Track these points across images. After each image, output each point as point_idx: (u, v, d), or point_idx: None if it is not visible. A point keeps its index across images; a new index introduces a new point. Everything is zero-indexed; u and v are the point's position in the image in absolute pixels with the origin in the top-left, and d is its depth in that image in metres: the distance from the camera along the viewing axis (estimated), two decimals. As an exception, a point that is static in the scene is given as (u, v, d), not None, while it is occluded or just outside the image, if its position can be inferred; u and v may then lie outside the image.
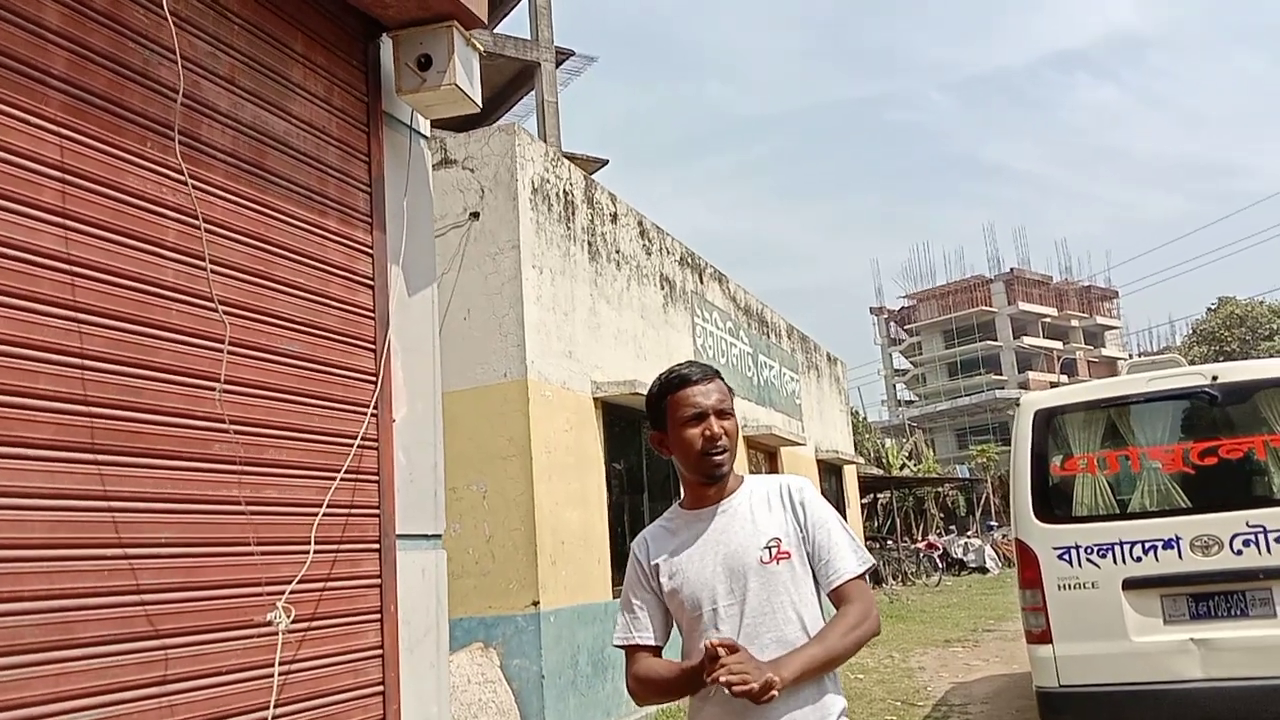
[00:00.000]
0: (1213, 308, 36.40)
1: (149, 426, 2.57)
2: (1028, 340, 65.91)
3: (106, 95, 2.59)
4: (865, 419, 49.78)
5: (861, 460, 22.75)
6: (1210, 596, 5.69)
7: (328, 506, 2.96)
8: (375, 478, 3.30)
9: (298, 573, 2.77)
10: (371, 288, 3.41)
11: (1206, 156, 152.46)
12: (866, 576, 2.21)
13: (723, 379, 2.33)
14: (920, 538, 31.66)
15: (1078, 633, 5.83)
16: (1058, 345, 66.75)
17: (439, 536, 3.65)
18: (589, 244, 8.87)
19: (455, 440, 7.51)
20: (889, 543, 28.71)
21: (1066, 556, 5.91)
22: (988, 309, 67.00)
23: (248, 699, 2.66)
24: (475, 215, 7.77)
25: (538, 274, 7.83)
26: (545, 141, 23.63)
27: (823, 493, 14.59)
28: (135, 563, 2.49)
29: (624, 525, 8.99)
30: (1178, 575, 5.71)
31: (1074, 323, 69.16)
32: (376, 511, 3.29)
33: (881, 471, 32.92)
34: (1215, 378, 5.98)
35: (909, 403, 71.34)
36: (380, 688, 3.23)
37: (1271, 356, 32.84)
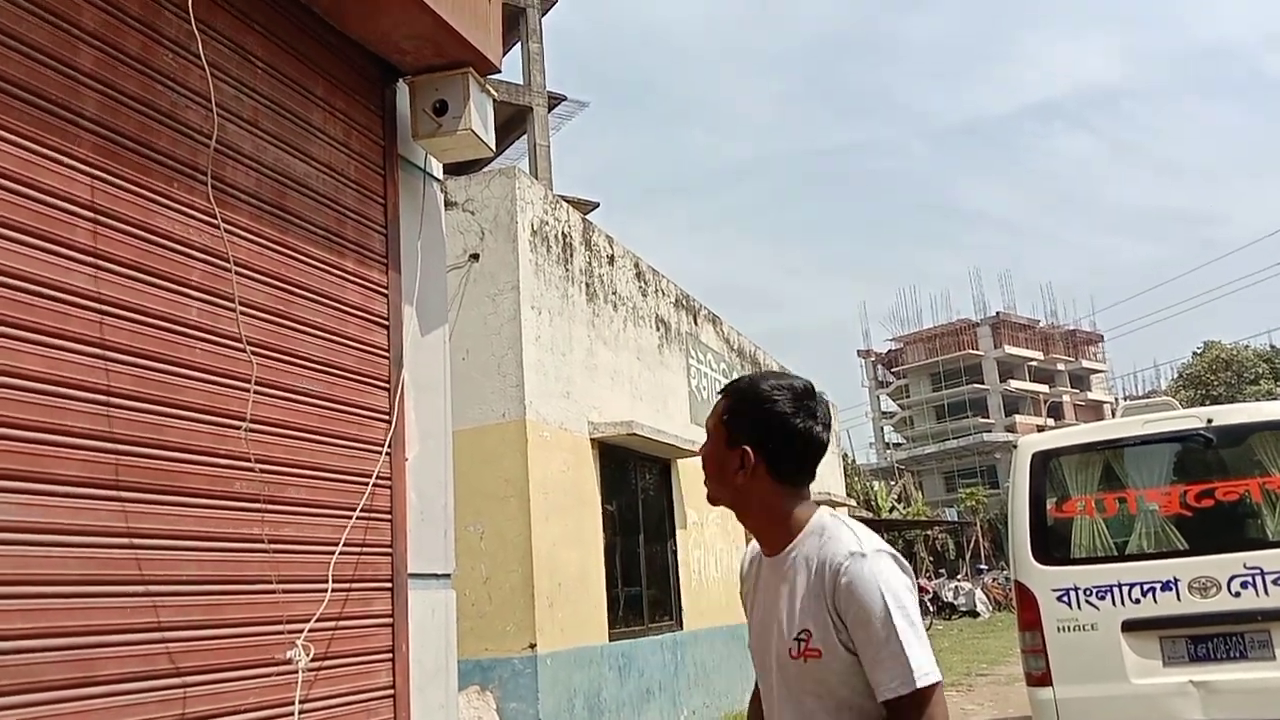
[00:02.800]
0: (1198, 352, 36.77)
1: (174, 464, 2.59)
2: (1014, 383, 66.21)
3: (137, 137, 2.64)
4: (854, 461, 49.81)
5: (852, 503, 22.75)
6: (1209, 638, 5.71)
7: (344, 545, 2.98)
8: (388, 516, 3.32)
9: (316, 611, 2.78)
10: (386, 327, 3.46)
11: (1183, 205, 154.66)
12: (921, 696, 1.70)
13: (735, 395, 1.96)
14: (920, 581, 31.61)
15: (1078, 675, 5.83)
16: (1044, 389, 67.02)
17: (449, 576, 3.66)
18: (587, 285, 8.94)
19: (454, 481, 7.52)
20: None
21: (1066, 598, 5.93)
22: (974, 352, 67.38)
23: (266, 738, 2.66)
24: (475, 257, 7.83)
25: (536, 315, 7.88)
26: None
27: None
28: (157, 600, 2.49)
29: (618, 567, 8.97)
30: (1176, 617, 5.74)
31: (1060, 366, 69.55)
32: (389, 550, 3.31)
33: (871, 514, 32.90)
34: (1210, 420, 6.05)
35: (897, 445, 71.40)
36: (391, 728, 3.22)
37: (1258, 400, 33.11)
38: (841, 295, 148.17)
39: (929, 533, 37.41)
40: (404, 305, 3.53)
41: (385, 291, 3.49)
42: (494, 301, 7.72)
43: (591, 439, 8.54)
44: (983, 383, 67.05)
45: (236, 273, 2.79)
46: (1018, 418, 62.52)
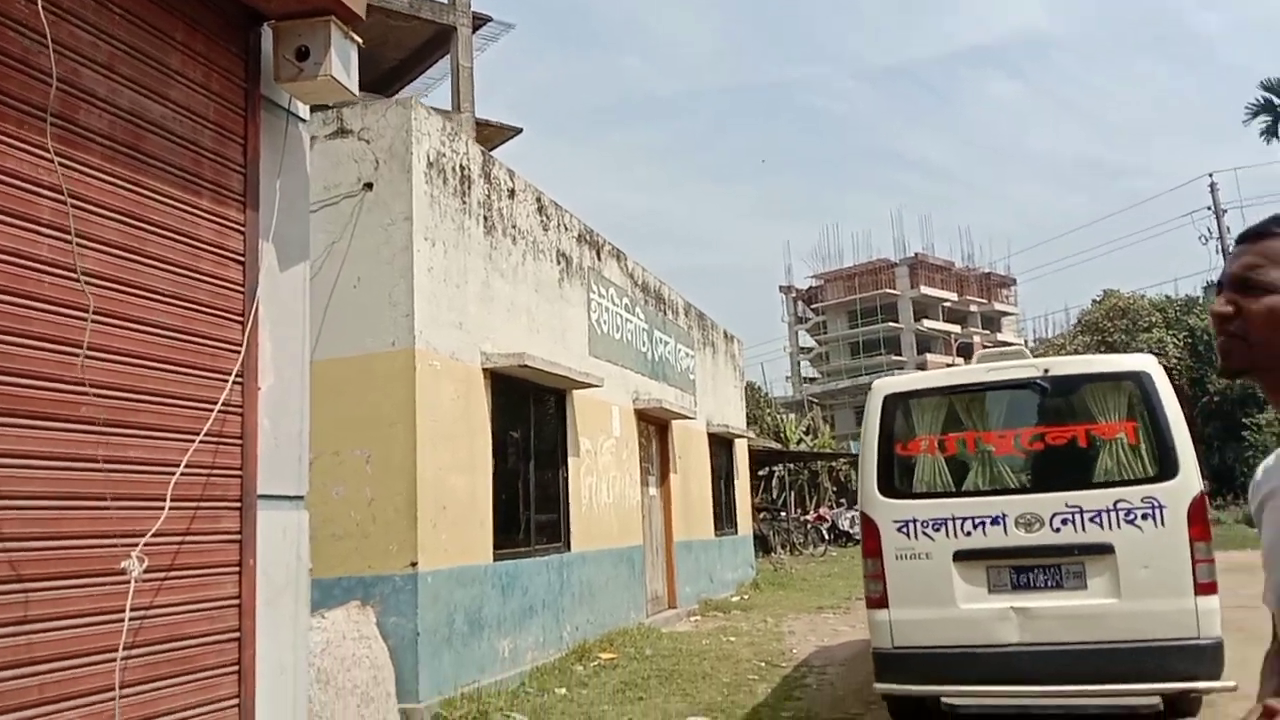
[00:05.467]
0: (1098, 300, 38.18)
1: (19, 389, 2.79)
2: (928, 323, 67.95)
3: (-16, 80, 2.78)
4: (768, 394, 50.82)
5: (753, 435, 23.41)
6: (1030, 569, 6.27)
7: (186, 467, 3.21)
8: (239, 441, 3.55)
9: (153, 527, 3.02)
10: (242, 263, 3.65)
11: (1106, 157, 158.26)
12: None
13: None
14: (812, 510, 32.68)
15: (912, 599, 6.36)
16: (956, 329, 68.88)
17: (301, 498, 3.92)
18: (485, 218, 9.09)
19: (342, 406, 7.73)
20: (781, 514, 29.62)
21: (905, 529, 6.43)
22: (891, 291, 68.81)
23: (103, 640, 2.91)
24: (369, 186, 7.93)
25: (430, 246, 8.04)
26: (459, 107, 23.58)
27: (713, 466, 15.05)
28: (1, 512, 2.71)
29: (507, 492, 9.30)
30: (1003, 549, 6.28)
31: (973, 308, 71.49)
32: (239, 473, 3.55)
33: (779, 445, 33.78)
34: (1047, 370, 6.55)
35: (812, 380, 72.88)
36: (236, 634, 3.51)
37: (1150, 347, 34.64)
38: (768, 231, 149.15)
39: (834, 464, 38.57)
40: (261, 242, 3.72)
41: (242, 229, 3.67)
42: (387, 231, 7.85)
43: (484, 369, 8.79)
44: (898, 321, 68.66)
45: (84, 209, 2.96)
46: (929, 356, 64.31)
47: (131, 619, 2.99)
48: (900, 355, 67.27)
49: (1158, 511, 6.01)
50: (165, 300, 3.31)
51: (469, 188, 8.83)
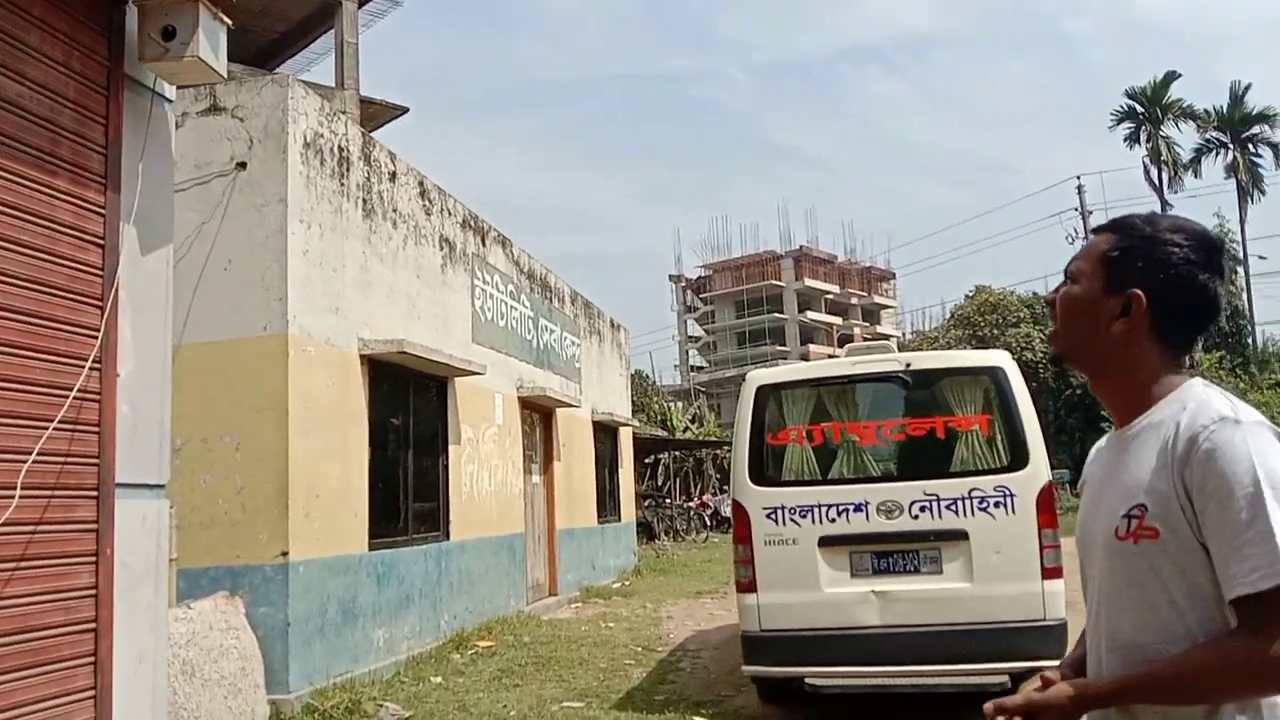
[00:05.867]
0: (970, 295, 39.74)
1: None
2: (811, 315, 69.60)
3: None
4: (655, 383, 51.28)
5: (638, 423, 23.64)
6: (890, 554, 6.56)
7: (39, 455, 3.13)
8: (96, 429, 3.47)
9: (2, 516, 2.94)
10: (101, 246, 3.55)
11: (983, 154, 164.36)
12: None
13: (1126, 230, 1.67)
14: (696, 497, 33.17)
15: (779, 583, 6.58)
16: (838, 321, 70.75)
17: (162, 486, 3.84)
18: (364, 201, 8.96)
19: (210, 391, 7.54)
20: (665, 501, 29.99)
21: (773, 516, 6.65)
22: (777, 283, 70.20)
23: (-53, 632, 2.83)
24: (242, 165, 7.73)
25: (305, 228, 7.89)
26: (343, 84, 23.01)
27: (597, 454, 15.14)
28: None
29: (385, 480, 9.21)
30: (865, 535, 6.55)
31: (854, 300, 73.50)
32: (96, 461, 3.47)
33: (665, 433, 34.16)
34: (909, 364, 6.85)
35: (700, 368, 73.82)
36: (93, 625, 3.43)
37: (1018, 341, 36.23)
38: (658, 221, 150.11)
39: (718, 452, 39.21)
40: (122, 225, 3.63)
41: (102, 211, 3.57)
42: (260, 213, 7.67)
43: (361, 355, 8.67)
44: (783, 312, 70.12)
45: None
46: (811, 347, 65.89)
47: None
48: (784, 346, 68.73)
49: (1009, 500, 6.36)
50: (19, 283, 3.21)
51: (348, 170, 8.69)
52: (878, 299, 75.11)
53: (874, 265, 75.09)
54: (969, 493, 6.41)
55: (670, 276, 76.95)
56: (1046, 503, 6.37)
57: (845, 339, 70.07)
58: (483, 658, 9.61)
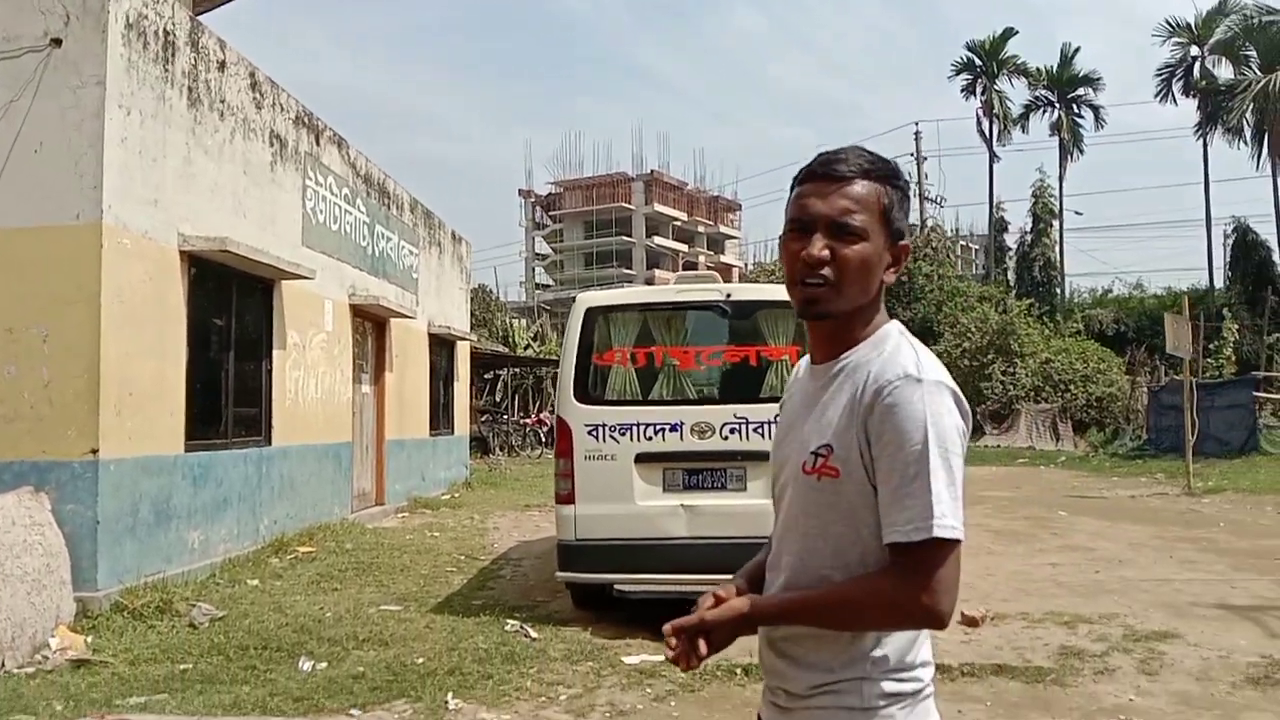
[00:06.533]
0: (808, 230, 41.07)
1: None
2: (658, 240, 70.26)
3: None
4: (499, 298, 50.94)
5: (476, 338, 23.57)
6: (700, 472, 6.96)
7: None
8: (-119, 311, 3.34)
9: None
10: (-112, 119, 3.37)
11: (834, 95, 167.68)
12: (935, 548, 1.51)
13: (894, 178, 1.68)
14: (534, 414, 33.43)
15: (596, 495, 6.90)
16: (684, 248, 71.69)
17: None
18: (189, 90, 8.56)
19: (17, 280, 7.21)
20: (502, 417, 30.14)
21: (595, 433, 6.93)
22: (627, 206, 70.41)
23: None
24: (57, 42, 7.26)
25: (125, 114, 7.51)
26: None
27: (432, 365, 15.09)
28: None
29: (203, 382, 9.00)
30: (678, 453, 6.92)
31: (700, 228, 74.57)
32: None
33: (506, 350, 34.15)
34: (729, 295, 7.18)
35: (546, 286, 73.66)
36: (-124, 512, 3.34)
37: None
38: (509, 132, 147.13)
39: (558, 370, 39.44)
40: (-87, 98, 3.45)
41: (-111, 81, 3.38)
42: (76, 94, 7.25)
43: (181, 251, 8.38)
44: (630, 235, 70.49)
45: None
46: (657, 272, 66.56)
47: None
48: (631, 269, 69.29)
49: (811, 425, 6.82)
50: None
51: (173, 55, 8.27)
52: (723, 229, 76.46)
53: (721, 195, 76.25)
54: (775, 417, 6.82)
55: (520, 191, 76.03)
56: (848, 428, 6.85)
57: (690, 266, 71.34)
58: (302, 563, 9.63)
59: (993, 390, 31.64)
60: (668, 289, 7.63)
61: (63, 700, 5.27)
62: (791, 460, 1.69)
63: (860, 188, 1.64)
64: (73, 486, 7.20)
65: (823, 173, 1.65)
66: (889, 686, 1.59)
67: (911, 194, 1.76)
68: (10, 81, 7.13)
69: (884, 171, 1.66)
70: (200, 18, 9.34)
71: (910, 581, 1.51)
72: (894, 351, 1.61)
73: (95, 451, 7.22)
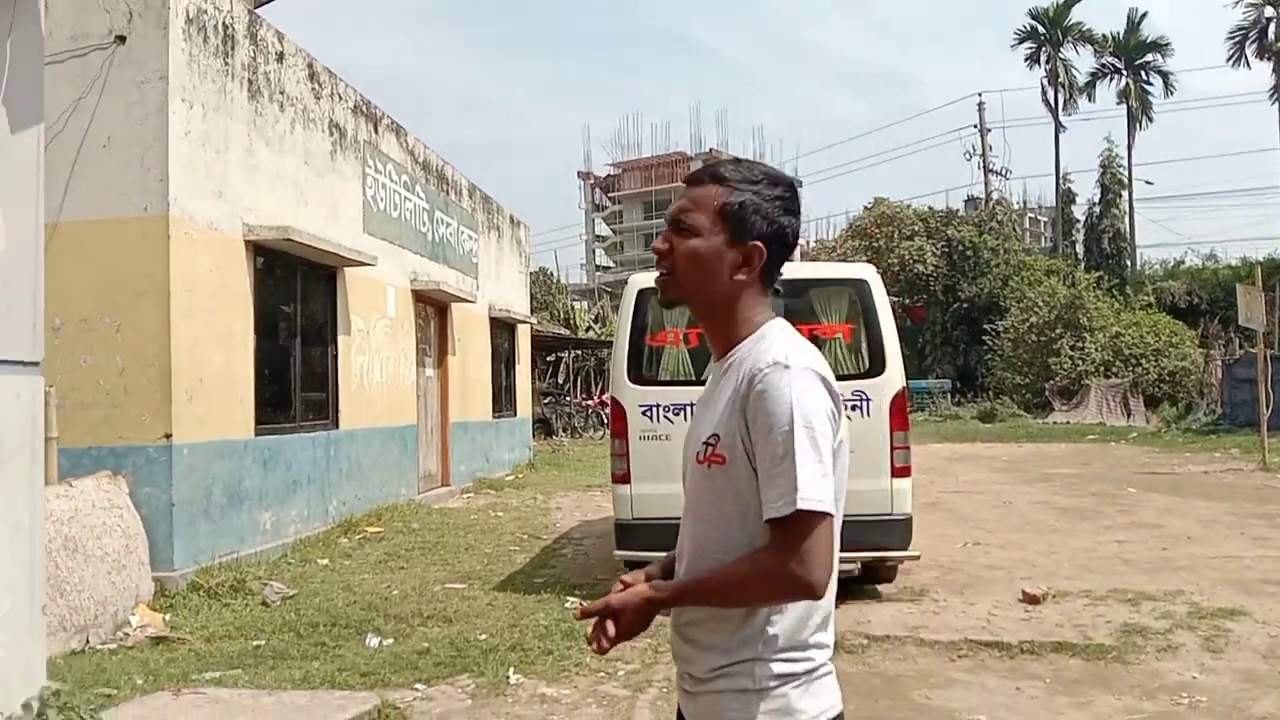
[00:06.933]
0: (869, 206, 40.52)
1: None
2: (718, 219, 69.92)
3: None
4: (560, 281, 51.23)
5: (536, 321, 23.77)
6: (754, 451, 6.96)
7: (-95, 328, 3.19)
8: (-35, 305, 3.52)
9: None
10: (-34, 123, 3.54)
11: (892, 67, 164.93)
12: (802, 520, 1.59)
13: (741, 181, 1.78)
14: (596, 395, 33.66)
15: (651, 475, 6.95)
16: (744, 226, 71.29)
17: (37, 364, 3.91)
18: (249, 82, 8.77)
19: (90, 271, 7.46)
20: (565, 398, 30.40)
21: (649, 413, 6.99)
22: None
23: None
24: (121, 39, 7.49)
25: (188, 108, 7.73)
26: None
27: (494, 348, 15.27)
28: None
29: (272, 367, 9.25)
30: None
31: (761, 206, 74.04)
32: (-34, 337, 3.53)
33: (568, 332, 34.38)
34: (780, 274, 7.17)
35: (606, 268, 73.84)
36: (-34, 495, 3.54)
37: (911, 254, 37.26)
38: (568, 114, 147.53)
39: (619, 353, 39.56)
40: (-12, 102, 3.61)
41: (-35, 87, 3.55)
42: (140, 90, 7.48)
43: (246, 241, 8.61)
44: (690, 215, 70.29)
45: None
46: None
47: None
48: (690, 248, 69.06)
49: (865, 404, 6.80)
50: (-123, 156, 3.21)
51: (233, 48, 8.47)
52: (784, 206, 75.84)
53: (782, 171, 75.57)
54: None
55: (579, 173, 76.23)
56: (899, 407, 6.83)
57: (749, 244, 70.75)
58: (370, 542, 9.88)
59: (1061, 366, 31.08)
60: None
61: (142, 675, 5.50)
62: (690, 452, 1.79)
63: (702, 190, 1.78)
64: (148, 470, 7.47)
65: (687, 179, 1.83)
66: (779, 667, 1.66)
67: (773, 200, 1.78)
68: (78, 79, 7.38)
69: (736, 177, 1.78)
70: (258, 10, 9.53)
71: (782, 553, 1.59)
72: (770, 344, 1.72)
73: (169, 436, 7.48)
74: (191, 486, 7.75)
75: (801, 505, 1.57)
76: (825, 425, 1.65)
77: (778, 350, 1.69)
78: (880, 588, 7.30)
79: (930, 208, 40.73)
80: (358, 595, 7.50)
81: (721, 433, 1.69)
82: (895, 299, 37.89)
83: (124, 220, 7.45)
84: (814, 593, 1.61)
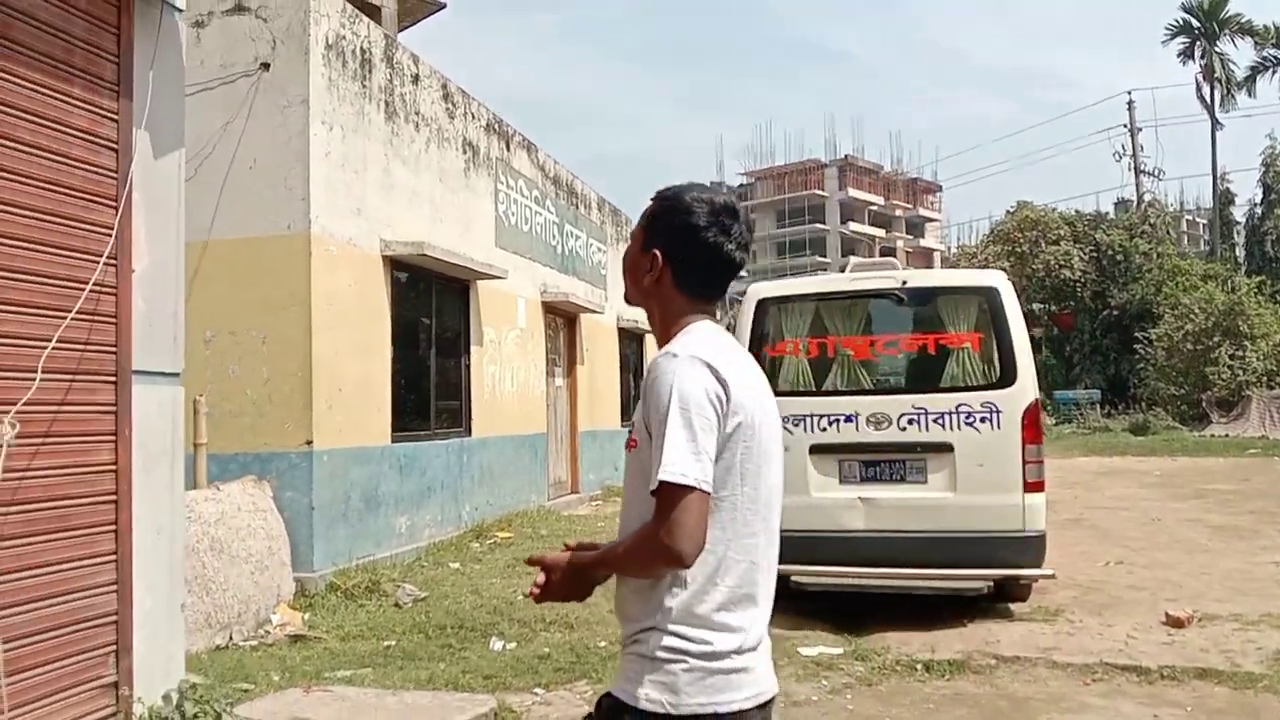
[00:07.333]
0: (1011, 210, 39.05)
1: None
2: (854, 226, 68.82)
3: None
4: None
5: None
6: (878, 463, 6.83)
7: (59, 342, 3.45)
8: (113, 320, 3.79)
9: (25, 396, 3.28)
10: (115, 150, 3.81)
11: (1033, 65, 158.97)
12: (668, 492, 1.72)
13: (659, 201, 2.02)
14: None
15: None
16: (881, 233, 69.99)
17: (177, 375, 4.17)
18: (386, 104, 9.13)
19: (238, 287, 7.89)
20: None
21: (768, 424, 6.92)
22: (820, 193, 69.35)
23: (-21, 496, 3.20)
24: (266, 66, 7.92)
25: (327, 130, 8.11)
26: (379, -19, 22.86)
27: (621, 358, 15.38)
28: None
29: (407, 377, 9.59)
30: (854, 444, 6.81)
31: (898, 212, 72.50)
32: (113, 349, 3.79)
33: (697, 341, 34.34)
34: (905, 282, 7.01)
35: (739, 278, 73.47)
36: (113, 498, 3.80)
37: (1057, 260, 35.76)
38: (699, 125, 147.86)
39: (750, 362, 39.25)
40: (135, 130, 3.88)
41: (115, 117, 3.82)
42: (283, 114, 7.89)
43: (383, 256, 8.96)
44: (824, 223, 69.39)
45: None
46: (853, 259, 65.32)
47: (8, 480, 3.27)
48: (825, 257, 68.21)
49: (995, 415, 6.57)
50: (36, 184, 3.48)
51: (370, 72, 8.85)
52: (923, 212, 74.02)
53: (920, 177, 73.82)
54: (956, 407, 6.62)
55: (711, 184, 76.17)
56: (1032, 419, 6.57)
57: (888, 251, 69.47)
58: (500, 547, 10.10)
59: (1219, 375, 29.23)
60: (841, 277, 7.52)
61: (279, 671, 5.77)
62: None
63: (647, 206, 2.04)
64: (291, 475, 7.85)
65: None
66: (670, 640, 1.77)
67: (676, 214, 1.97)
68: (227, 104, 7.84)
69: (660, 192, 2.01)
70: (404, 30, 9.91)
71: (655, 522, 1.73)
72: (679, 339, 1.89)
73: (309, 443, 7.85)
74: (331, 491, 8.09)
75: (663, 477, 1.71)
76: (705, 406, 1.77)
77: (674, 343, 1.86)
78: (1012, 606, 7.03)
79: (1077, 211, 38.98)
80: (485, 599, 7.68)
81: (636, 420, 1.87)
82: (1041, 306, 36.47)
83: (269, 238, 7.87)
84: (682, 561, 1.72)
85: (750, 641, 1.81)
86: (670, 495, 1.72)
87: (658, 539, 1.72)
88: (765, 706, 1.84)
